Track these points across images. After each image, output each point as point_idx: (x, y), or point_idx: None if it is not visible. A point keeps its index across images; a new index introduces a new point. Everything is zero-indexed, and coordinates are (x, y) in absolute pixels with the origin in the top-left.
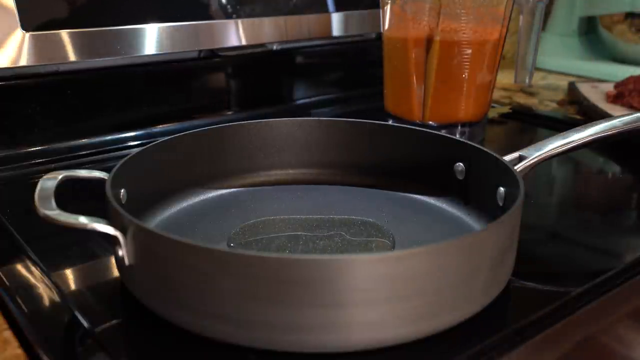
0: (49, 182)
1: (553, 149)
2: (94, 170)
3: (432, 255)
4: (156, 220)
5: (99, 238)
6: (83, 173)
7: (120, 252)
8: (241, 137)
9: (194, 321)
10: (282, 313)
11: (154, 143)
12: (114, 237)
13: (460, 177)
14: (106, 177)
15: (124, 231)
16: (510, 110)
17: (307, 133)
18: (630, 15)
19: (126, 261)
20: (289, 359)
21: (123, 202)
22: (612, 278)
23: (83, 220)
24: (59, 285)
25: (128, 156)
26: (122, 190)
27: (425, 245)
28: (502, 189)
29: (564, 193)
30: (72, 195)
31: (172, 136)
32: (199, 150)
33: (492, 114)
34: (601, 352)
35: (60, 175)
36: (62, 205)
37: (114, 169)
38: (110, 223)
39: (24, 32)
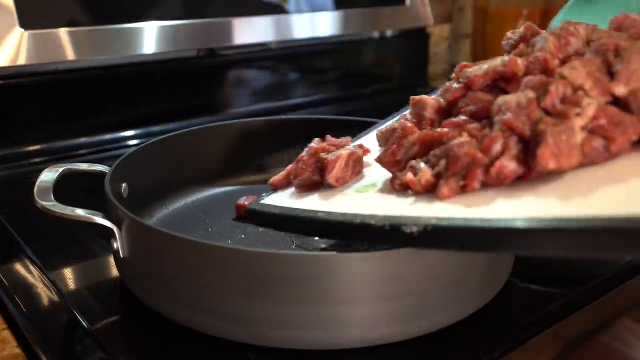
0: (49, 174)
1: None
2: (96, 165)
3: (420, 256)
4: (157, 217)
5: (97, 237)
6: (84, 167)
7: (116, 245)
8: (242, 135)
9: (185, 315)
10: (269, 309)
11: (155, 139)
12: (111, 230)
13: None
14: (107, 171)
15: (119, 224)
16: None
17: (309, 131)
18: None
19: (121, 254)
20: (280, 355)
21: (125, 197)
22: (612, 278)
23: (80, 212)
24: (57, 285)
25: (130, 151)
26: (124, 185)
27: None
28: None
29: None
30: (75, 192)
31: (174, 133)
32: (202, 147)
33: None
34: (601, 352)
35: (62, 168)
36: (68, 202)
37: (115, 163)
38: (107, 216)
39: (23, 30)
